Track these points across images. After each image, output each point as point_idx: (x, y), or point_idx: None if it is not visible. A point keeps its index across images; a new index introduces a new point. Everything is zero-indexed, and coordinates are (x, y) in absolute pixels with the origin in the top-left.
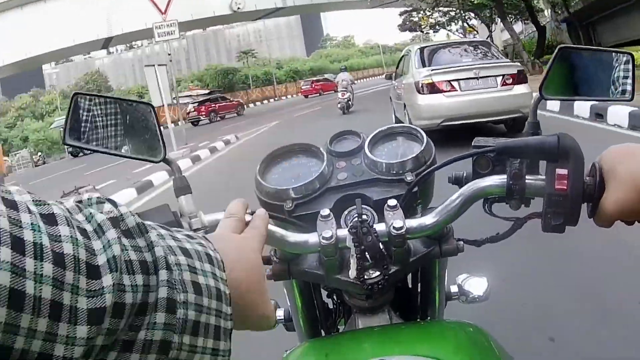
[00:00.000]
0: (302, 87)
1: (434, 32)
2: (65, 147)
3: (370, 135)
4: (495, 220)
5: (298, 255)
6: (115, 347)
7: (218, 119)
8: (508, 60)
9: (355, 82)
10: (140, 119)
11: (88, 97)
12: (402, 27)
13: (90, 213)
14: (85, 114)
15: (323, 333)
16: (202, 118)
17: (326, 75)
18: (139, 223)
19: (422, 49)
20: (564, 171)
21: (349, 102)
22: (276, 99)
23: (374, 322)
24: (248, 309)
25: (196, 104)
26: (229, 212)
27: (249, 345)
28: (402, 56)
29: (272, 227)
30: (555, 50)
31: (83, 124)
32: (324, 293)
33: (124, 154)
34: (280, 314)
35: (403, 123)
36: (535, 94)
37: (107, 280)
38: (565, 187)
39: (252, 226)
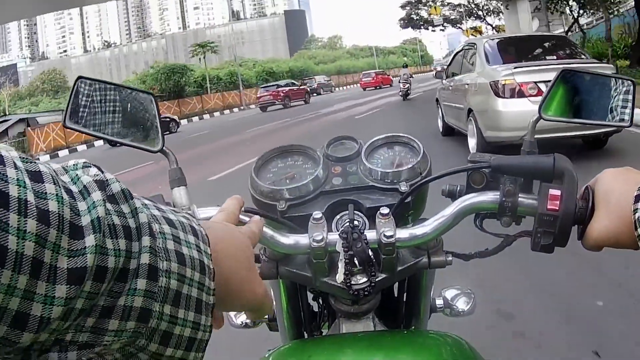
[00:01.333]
0: (362, 79)
1: (440, 29)
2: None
3: (368, 143)
4: (484, 236)
5: (287, 256)
6: (93, 313)
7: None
8: (597, 61)
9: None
10: (140, 108)
11: (91, 81)
12: (404, 23)
13: (77, 175)
14: (86, 98)
15: (306, 335)
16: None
17: (317, 77)
18: (123, 189)
19: (494, 42)
20: (557, 192)
21: (408, 91)
22: (242, 107)
23: (357, 328)
24: (237, 289)
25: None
26: (223, 207)
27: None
28: (458, 51)
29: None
30: (558, 72)
31: (84, 108)
32: (309, 296)
33: (122, 141)
34: None
35: (457, 128)
36: (535, 114)
37: (90, 240)
38: (557, 208)
39: (247, 226)
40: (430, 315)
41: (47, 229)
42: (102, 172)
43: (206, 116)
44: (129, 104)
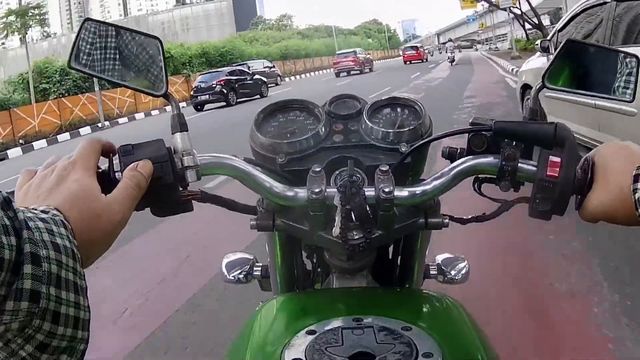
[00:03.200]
0: (405, 53)
1: None
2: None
3: (371, 102)
4: (483, 201)
5: (284, 208)
6: None
7: None
8: None
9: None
10: (147, 52)
11: (97, 24)
12: None
13: None
14: (92, 40)
15: (298, 291)
16: None
17: (253, 62)
18: (6, 197)
19: None
20: (557, 159)
21: (454, 58)
22: (101, 125)
23: (351, 284)
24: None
25: None
26: (76, 153)
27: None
28: (573, 16)
29: (261, 176)
30: (562, 42)
31: (89, 50)
32: (304, 254)
33: (126, 83)
34: (257, 269)
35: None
36: (538, 82)
37: None
38: (556, 175)
39: (124, 181)
40: (423, 280)
41: None
42: None
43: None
44: (135, 48)
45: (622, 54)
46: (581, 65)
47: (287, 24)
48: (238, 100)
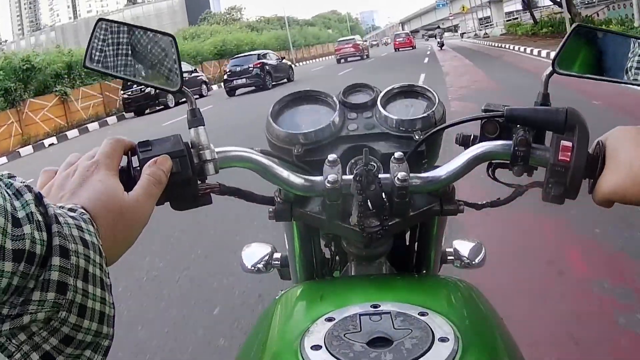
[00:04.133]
0: (396, 40)
1: None
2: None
3: (384, 91)
4: (497, 187)
5: (301, 198)
6: (25, 291)
7: None
8: None
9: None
10: (161, 49)
11: (111, 23)
12: None
13: (10, 181)
14: (107, 39)
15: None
16: None
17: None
18: (37, 193)
19: None
20: (568, 143)
21: (443, 42)
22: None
23: (369, 271)
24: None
25: None
26: (98, 153)
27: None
28: None
29: (278, 168)
30: (572, 27)
31: (104, 49)
32: (322, 242)
33: (141, 80)
34: (276, 258)
35: None
36: (548, 67)
37: (27, 229)
38: (568, 159)
39: (145, 177)
40: (440, 266)
41: None
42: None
43: None
44: (149, 45)
45: (633, 39)
46: (591, 51)
47: (236, 17)
48: (273, 83)
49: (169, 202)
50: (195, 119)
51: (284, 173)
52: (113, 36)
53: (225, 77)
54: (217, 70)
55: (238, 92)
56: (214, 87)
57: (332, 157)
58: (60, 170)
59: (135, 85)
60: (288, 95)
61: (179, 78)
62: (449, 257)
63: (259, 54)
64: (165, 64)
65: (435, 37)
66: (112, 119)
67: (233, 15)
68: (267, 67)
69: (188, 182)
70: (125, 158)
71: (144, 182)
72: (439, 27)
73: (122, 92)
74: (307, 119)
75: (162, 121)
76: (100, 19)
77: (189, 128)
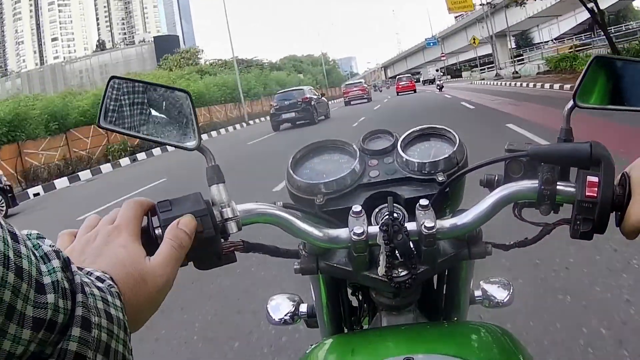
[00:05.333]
0: (399, 84)
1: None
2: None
3: (404, 135)
4: (523, 225)
5: (327, 250)
6: (42, 357)
7: None
8: None
9: None
10: (176, 106)
11: (124, 81)
12: None
13: (38, 243)
14: (120, 97)
15: (346, 330)
16: None
17: None
18: (66, 258)
19: None
20: (594, 178)
21: (442, 85)
22: None
23: (399, 321)
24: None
25: None
26: (119, 218)
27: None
28: None
29: (302, 221)
30: (590, 59)
31: (118, 108)
32: (349, 291)
33: (157, 139)
34: (303, 309)
35: None
36: (570, 101)
37: (51, 298)
38: (595, 195)
39: (168, 242)
40: (469, 307)
41: (21, 282)
42: (50, 245)
43: None
44: (164, 102)
45: None
46: (611, 81)
47: (191, 59)
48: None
49: (192, 262)
50: (215, 175)
51: (308, 228)
52: (127, 95)
53: (272, 111)
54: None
55: (282, 127)
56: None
57: (356, 208)
58: (80, 233)
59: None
60: (307, 145)
61: (196, 135)
62: (477, 298)
63: (304, 89)
64: (181, 120)
65: (436, 80)
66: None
67: (187, 57)
68: (313, 102)
69: (211, 242)
70: (145, 218)
71: (165, 246)
72: (437, 69)
73: None
74: (328, 168)
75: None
76: (112, 77)
77: (209, 185)
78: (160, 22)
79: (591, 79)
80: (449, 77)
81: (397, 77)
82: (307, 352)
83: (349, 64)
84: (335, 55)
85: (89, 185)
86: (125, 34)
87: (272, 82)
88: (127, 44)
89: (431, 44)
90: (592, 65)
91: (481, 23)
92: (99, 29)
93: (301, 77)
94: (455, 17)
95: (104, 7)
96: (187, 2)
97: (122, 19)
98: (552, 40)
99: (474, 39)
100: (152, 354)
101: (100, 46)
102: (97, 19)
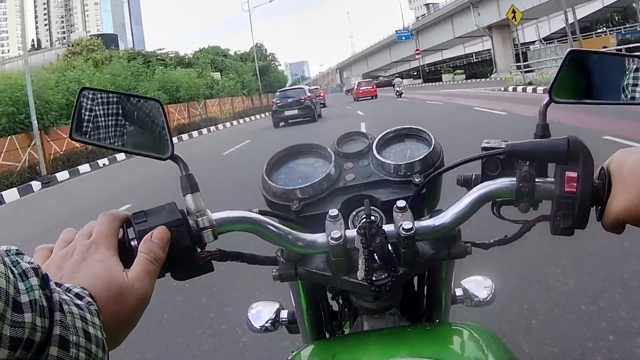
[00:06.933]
0: (359, 89)
1: None
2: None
3: (378, 137)
4: (502, 223)
5: (305, 256)
6: None
7: None
8: None
9: None
10: (148, 115)
11: (94, 92)
12: None
13: (17, 260)
14: (91, 108)
15: (328, 335)
16: None
17: None
18: (44, 275)
19: None
20: (573, 174)
21: (402, 92)
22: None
23: (380, 324)
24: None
25: None
26: (96, 232)
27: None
28: None
29: (279, 227)
30: (565, 53)
31: (89, 119)
32: (329, 295)
33: (130, 150)
34: (284, 315)
35: None
36: (545, 97)
37: (28, 317)
38: (574, 190)
39: (142, 255)
40: (450, 307)
41: None
42: (30, 261)
43: None
44: (136, 112)
45: (627, 58)
46: (586, 75)
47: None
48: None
49: (169, 273)
50: (190, 185)
51: (285, 233)
52: (99, 105)
53: (274, 107)
54: None
55: (281, 124)
56: None
57: (333, 212)
58: (56, 248)
59: None
60: (281, 151)
61: (169, 144)
62: (458, 297)
63: (305, 88)
64: (154, 130)
65: (395, 86)
66: None
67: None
68: (314, 100)
69: (187, 252)
70: (120, 230)
71: (140, 260)
72: (397, 76)
73: None
74: (303, 173)
75: None
76: (83, 88)
77: (184, 195)
78: (103, 21)
79: (568, 74)
80: (420, 81)
81: (358, 82)
82: (288, 358)
83: (301, 68)
84: (287, 60)
85: None
86: (64, 32)
87: (155, 83)
88: (62, 44)
89: (403, 37)
90: (567, 59)
91: (477, 9)
92: (37, 28)
93: (217, 77)
94: (427, 6)
95: (44, 4)
96: (137, 3)
97: (62, 17)
98: (539, 40)
99: (513, 11)
100: None
101: (36, 46)
102: (36, 17)
